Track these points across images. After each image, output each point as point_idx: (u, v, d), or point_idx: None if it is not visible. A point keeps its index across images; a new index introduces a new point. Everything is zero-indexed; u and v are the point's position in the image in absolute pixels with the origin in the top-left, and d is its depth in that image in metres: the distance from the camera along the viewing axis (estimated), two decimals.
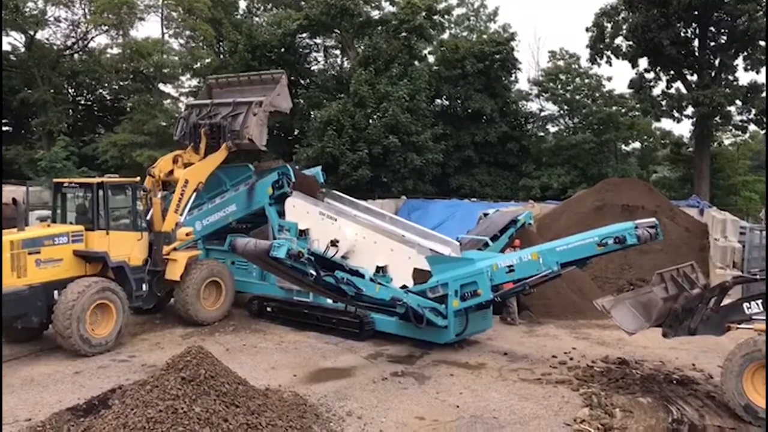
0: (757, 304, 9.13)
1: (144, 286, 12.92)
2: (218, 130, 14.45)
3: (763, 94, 33.19)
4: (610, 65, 36.77)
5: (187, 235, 13.52)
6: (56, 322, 11.10)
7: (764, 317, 8.99)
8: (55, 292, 11.36)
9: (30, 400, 9.16)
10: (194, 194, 14.04)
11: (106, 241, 12.16)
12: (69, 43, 40.96)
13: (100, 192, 12.21)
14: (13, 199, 21.74)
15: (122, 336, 12.02)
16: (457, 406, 9.20)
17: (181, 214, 13.75)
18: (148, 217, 13.33)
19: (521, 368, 11.16)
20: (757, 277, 10.06)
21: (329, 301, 12.89)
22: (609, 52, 36.10)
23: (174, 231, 13.54)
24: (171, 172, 14.07)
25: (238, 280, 15.16)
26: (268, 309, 14.40)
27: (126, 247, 12.56)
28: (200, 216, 15.37)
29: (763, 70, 32.78)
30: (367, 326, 12.72)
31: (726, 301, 9.63)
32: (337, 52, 41.67)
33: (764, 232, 19.24)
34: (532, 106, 43.01)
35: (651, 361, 11.68)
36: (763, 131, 37.70)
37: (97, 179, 12.76)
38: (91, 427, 7.05)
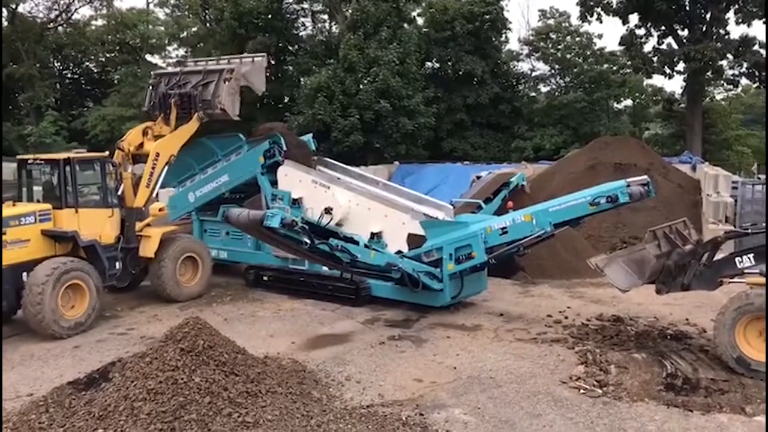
0: (749, 258, 9.19)
1: (117, 265, 12.48)
2: (189, 100, 13.90)
3: (755, 47, 33.03)
4: (601, 22, 36.52)
5: (160, 210, 13.18)
6: (26, 306, 10.73)
7: (756, 271, 9.08)
8: (24, 274, 10.90)
9: (31, 375, 9.23)
10: (166, 167, 13.50)
11: (76, 220, 11.69)
12: (52, 15, 40.38)
13: (67, 168, 11.68)
14: None
15: (96, 315, 11.59)
16: (455, 368, 9.32)
17: (154, 189, 13.31)
18: (119, 193, 12.81)
19: (517, 328, 11.28)
20: (749, 231, 10.13)
21: (325, 268, 12.94)
22: (599, 9, 35.72)
23: (146, 206, 13.12)
24: (141, 145, 13.54)
25: (234, 250, 15.21)
26: (265, 278, 14.45)
27: (97, 224, 12.10)
28: (193, 187, 15.32)
29: (755, 23, 32.59)
30: (364, 292, 12.80)
31: (718, 256, 9.70)
32: (325, 16, 41.18)
33: (764, 187, 19.26)
34: (523, 66, 42.87)
35: (645, 317, 11.81)
36: (755, 84, 37.60)
37: (64, 155, 12.14)
38: (92, 400, 7.12)
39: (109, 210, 12.38)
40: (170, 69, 15.49)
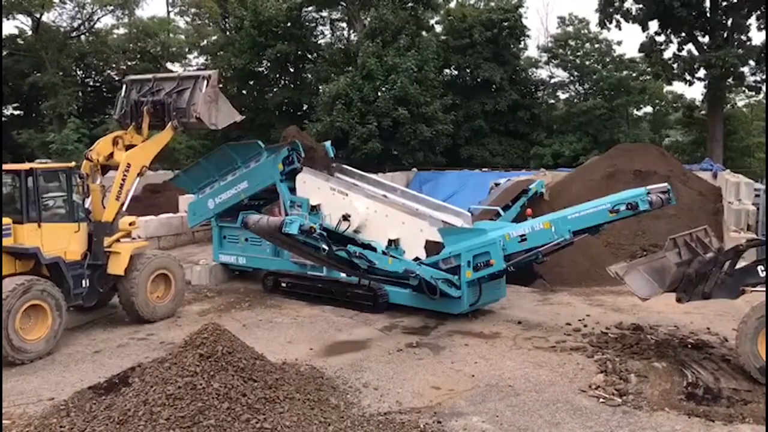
0: None
1: (84, 283, 11.56)
2: (162, 108, 13.02)
3: None
4: (620, 29, 36.32)
5: (130, 224, 12.53)
6: None
7: None
8: None
9: (52, 379, 9.33)
10: (138, 179, 12.66)
11: (38, 235, 10.77)
12: (75, 24, 41.00)
13: (30, 180, 10.76)
14: None
15: (59, 338, 10.64)
16: (473, 376, 9.28)
17: (124, 202, 12.42)
18: (87, 206, 12.05)
19: (535, 336, 11.22)
20: (766, 239, 10.01)
21: (343, 275, 12.97)
22: (619, 16, 35.54)
23: (116, 221, 12.28)
24: (111, 155, 12.64)
25: (252, 256, 15.28)
26: (283, 284, 14.50)
27: (61, 240, 11.20)
28: (213, 194, 15.43)
29: None
30: (382, 299, 12.80)
31: (740, 264, 9.59)
32: (344, 24, 41.43)
33: (765, 195, 19.07)
34: (542, 73, 42.76)
35: (665, 326, 11.68)
36: None
37: (27, 165, 11.19)
38: (112, 404, 7.18)
39: (75, 224, 11.50)
40: (143, 76, 14.61)
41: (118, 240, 12.22)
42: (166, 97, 13.09)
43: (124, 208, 12.45)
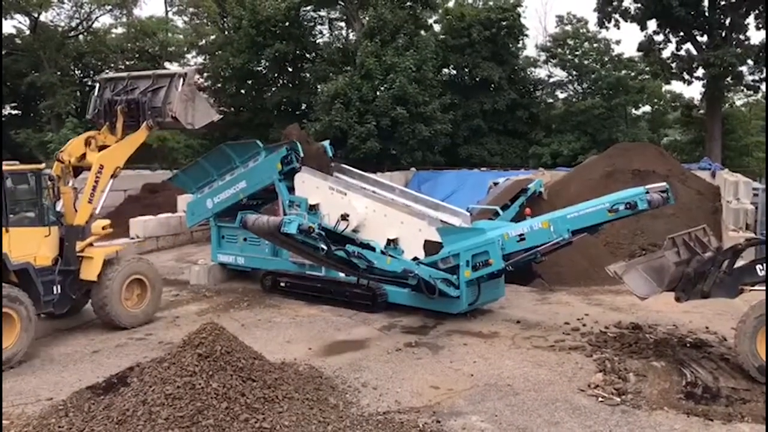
0: None
1: (55, 289, 11.04)
2: (137, 107, 12.54)
3: None
4: (619, 28, 36.38)
5: (103, 228, 11.97)
6: None
7: None
8: None
9: (50, 379, 9.32)
10: (111, 181, 12.10)
11: (6, 240, 10.17)
12: (73, 24, 40.95)
13: None
14: None
15: (26, 348, 10.10)
16: (472, 375, 9.28)
17: (97, 205, 11.90)
18: (59, 209, 11.51)
19: (534, 336, 11.22)
20: (766, 239, 10.02)
21: (342, 274, 12.97)
22: (617, 15, 35.59)
23: (89, 224, 11.73)
24: (83, 156, 12.08)
25: (251, 256, 15.27)
26: (282, 284, 14.49)
27: (31, 245, 10.63)
28: (211, 194, 15.40)
29: None
30: (380, 298, 12.79)
31: (739, 264, 9.60)
32: (342, 24, 41.41)
33: (764, 194, 19.09)
34: (541, 72, 42.77)
35: (664, 325, 11.69)
36: None
37: None
38: (111, 404, 7.17)
39: (45, 229, 10.95)
40: (117, 74, 14.09)
41: (90, 244, 11.73)
42: (141, 96, 12.62)
43: (97, 211, 11.98)
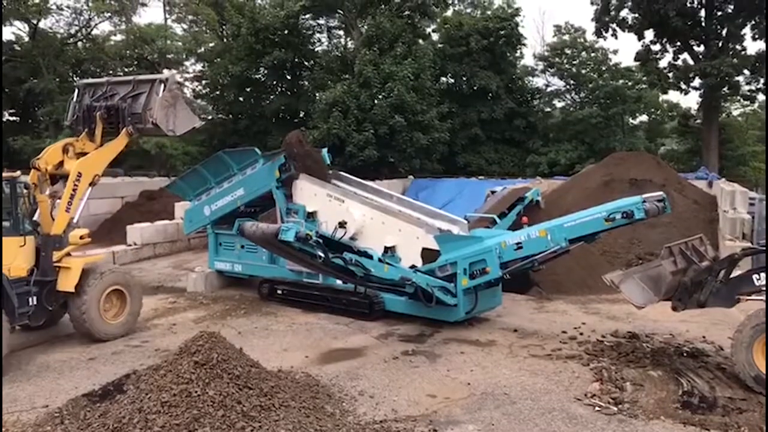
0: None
1: (30, 301, 10.66)
2: (116, 113, 12.29)
3: None
4: (616, 38, 36.62)
5: (81, 237, 11.42)
6: None
7: None
8: None
9: (46, 386, 9.28)
10: (89, 189, 11.76)
11: None
12: (72, 30, 41.02)
13: None
14: None
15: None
16: (468, 384, 9.27)
17: (74, 213, 11.51)
18: (35, 218, 11.17)
19: (531, 344, 11.21)
20: (767, 248, 10.02)
21: (339, 282, 12.96)
22: (615, 25, 35.83)
23: (66, 233, 11.30)
24: (61, 163, 11.74)
25: (248, 263, 15.25)
26: (279, 292, 14.47)
27: (6, 255, 10.17)
28: (209, 201, 15.41)
29: None
30: (377, 306, 12.78)
31: (735, 273, 9.61)
32: (341, 32, 41.55)
33: (764, 203, 19.13)
34: (538, 81, 42.94)
35: (661, 334, 11.69)
36: None
37: None
38: (107, 412, 7.15)
39: (20, 238, 10.57)
40: (96, 80, 13.81)
41: (68, 254, 11.34)
42: (121, 101, 12.37)
43: (75, 220, 11.58)
